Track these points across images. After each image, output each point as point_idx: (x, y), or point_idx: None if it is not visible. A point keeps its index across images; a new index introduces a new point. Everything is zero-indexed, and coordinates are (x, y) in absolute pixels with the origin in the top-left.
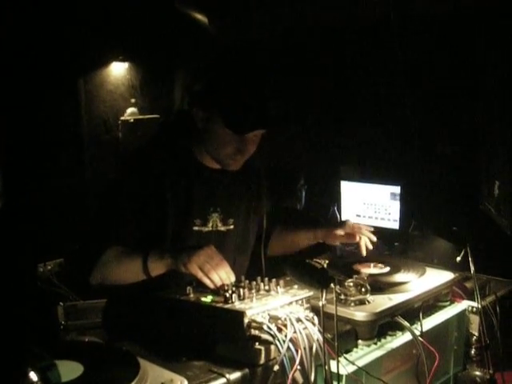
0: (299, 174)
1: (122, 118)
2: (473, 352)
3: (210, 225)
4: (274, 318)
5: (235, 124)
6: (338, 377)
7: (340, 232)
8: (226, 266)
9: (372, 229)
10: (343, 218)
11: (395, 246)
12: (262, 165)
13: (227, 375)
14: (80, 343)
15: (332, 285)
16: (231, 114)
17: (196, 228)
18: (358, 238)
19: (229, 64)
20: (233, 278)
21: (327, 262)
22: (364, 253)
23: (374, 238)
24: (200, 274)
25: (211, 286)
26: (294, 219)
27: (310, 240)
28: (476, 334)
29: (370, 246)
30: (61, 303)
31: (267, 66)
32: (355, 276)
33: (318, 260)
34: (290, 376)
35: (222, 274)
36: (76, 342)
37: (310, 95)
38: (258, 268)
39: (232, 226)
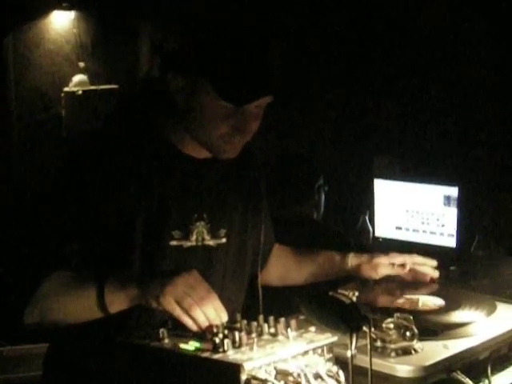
0: (317, 170)
1: (67, 89)
2: None
3: (194, 238)
4: (282, 374)
5: (233, 92)
6: None
7: (384, 261)
8: (215, 298)
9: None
10: (378, 233)
11: (451, 271)
12: (262, 155)
13: None
14: None
15: (365, 327)
16: (226, 79)
17: (174, 243)
18: (407, 269)
19: (218, 12)
20: (225, 317)
21: (357, 293)
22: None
23: (435, 262)
24: (178, 312)
25: (194, 327)
26: (309, 235)
27: (334, 270)
28: None
29: (435, 274)
30: None
31: (269, 11)
32: (397, 314)
33: (343, 291)
34: None
35: (210, 311)
36: None
37: (331, 57)
38: (253, 300)
39: (224, 240)
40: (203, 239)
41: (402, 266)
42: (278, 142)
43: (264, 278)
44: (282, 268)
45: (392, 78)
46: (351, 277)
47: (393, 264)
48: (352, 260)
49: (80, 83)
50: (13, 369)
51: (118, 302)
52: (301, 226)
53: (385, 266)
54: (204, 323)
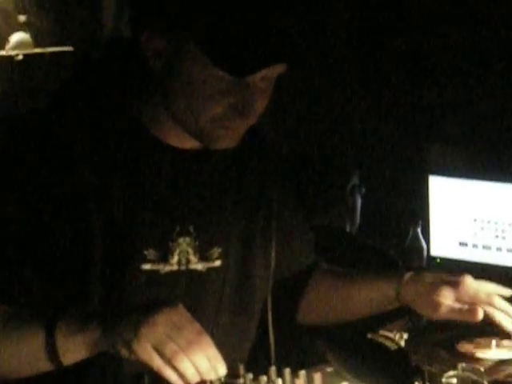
0: (350, 168)
1: (2, 52)
2: None
3: (175, 260)
4: None
5: (232, 57)
6: None
7: (450, 294)
8: (208, 343)
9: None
10: (434, 252)
11: None
12: (276, 146)
13: None
14: None
15: (417, 382)
16: (222, 39)
17: (147, 267)
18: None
19: None
20: (222, 370)
21: (406, 336)
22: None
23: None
24: (158, 363)
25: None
26: (340, 253)
27: (382, 301)
28: None
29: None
30: None
31: None
32: (462, 365)
33: (388, 333)
34: None
35: (201, 361)
36: None
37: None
38: (263, 346)
39: (218, 262)
40: (188, 261)
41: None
42: (296, 133)
43: (301, 317)
44: (330, 301)
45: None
46: (403, 311)
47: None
48: (406, 288)
49: (20, 44)
50: None
51: (74, 350)
52: (328, 242)
53: (449, 307)
54: (194, 378)
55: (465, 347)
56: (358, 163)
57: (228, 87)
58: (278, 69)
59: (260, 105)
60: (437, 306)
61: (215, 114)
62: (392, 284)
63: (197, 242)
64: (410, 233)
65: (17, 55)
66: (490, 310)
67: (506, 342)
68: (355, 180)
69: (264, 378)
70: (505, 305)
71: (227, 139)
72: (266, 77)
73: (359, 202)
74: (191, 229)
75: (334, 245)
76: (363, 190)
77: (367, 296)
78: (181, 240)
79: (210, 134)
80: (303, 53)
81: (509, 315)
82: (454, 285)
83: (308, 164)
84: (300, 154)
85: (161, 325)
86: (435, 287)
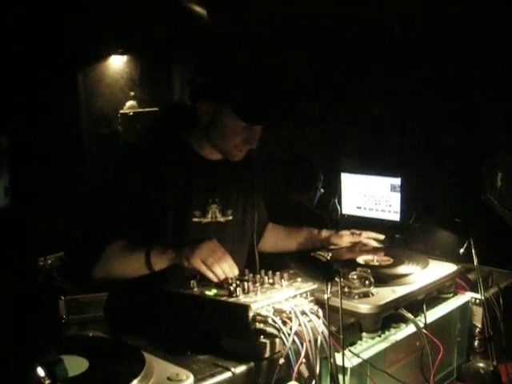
0: (317, 171)
1: (122, 111)
2: (476, 344)
3: (210, 216)
4: (278, 312)
5: (248, 114)
6: (344, 369)
7: (347, 232)
8: (229, 259)
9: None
10: (344, 211)
11: (396, 238)
12: (261, 156)
13: (232, 369)
14: (84, 338)
15: (336, 278)
16: (244, 105)
17: (195, 219)
18: (364, 237)
19: (234, 54)
20: (236, 272)
21: (330, 255)
22: (374, 243)
23: (382, 236)
24: (203, 268)
25: (214, 279)
26: (298, 215)
27: (312, 241)
28: (479, 325)
29: (381, 237)
30: (62, 297)
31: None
32: (359, 269)
33: (321, 253)
34: (296, 369)
35: (226, 268)
36: (80, 337)
37: (308, 84)
38: (254, 261)
39: (231, 217)
40: (216, 217)
41: (360, 234)
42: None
43: (261, 247)
44: (275, 239)
45: (351, 97)
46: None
47: (353, 234)
48: (325, 233)
49: (131, 107)
50: (85, 311)
51: (160, 262)
52: (295, 209)
53: (347, 235)
54: (222, 276)
55: (360, 260)
56: (321, 169)
57: (245, 129)
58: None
59: (258, 137)
60: (342, 236)
61: (236, 143)
62: (319, 232)
63: (220, 207)
64: (331, 202)
65: (129, 112)
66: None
67: (381, 257)
68: (321, 180)
69: (258, 276)
70: (375, 234)
71: (239, 156)
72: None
73: (318, 194)
74: (217, 200)
75: (296, 211)
76: (321, 189)
77: (305, 237)
78: (212, 206)
79: (231, 154)
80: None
81: (379, 238)
82: (348, 229)
83: (297, 169)
84: (292, 164)
85: (204, 249)
86: (338, 231)
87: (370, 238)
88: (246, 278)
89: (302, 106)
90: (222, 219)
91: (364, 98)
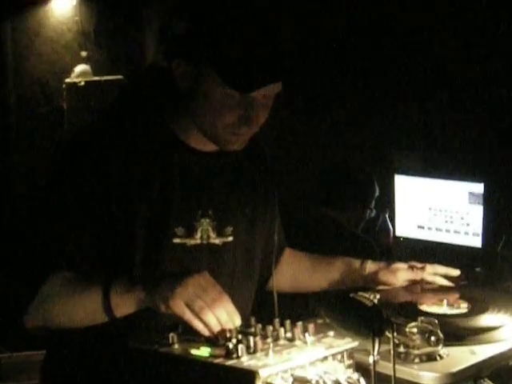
0: (371, 181)
1: (68, 80)
2: None
3: (199, 236)
4: (300, 381)
5: (238, 78)
6: None
7: (403, 265)
8: (228, 301)
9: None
10: (399, 233)
11: (477, 273)
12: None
13: None
14: None
15: (387, 332)
16: (231, 64)
17: (177, 240)
18: (428, 273)
19: None
20: (238, 321)
21: (378, 296)
22: (444, 281)
23: (456, 271)
24: (188, 315)
25: (205, 332)
26: (331, 239)
27: (351, 277)
28: None
29: (455, 272)
30: None
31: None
32: (421, 318)
33: (365, 294)
34: None
35: (222, 315)
36: None
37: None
38: (268, 304)
39: (231, 238)
40: (208, 237)
41: (422, 268)
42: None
43: (271, 284)
44: (295, 273)
45: (411, 67)
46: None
47: (412, 268)
48: (371, 266)
49: (82, 74)
50: (13, 377)
51: (124, 305)
52: (327, 230)
53: (404, 270)
54: (216, 327)
55: (423, 305)
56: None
57: (237, 102)
58: (275, 89)
59: (261, 117)
60: (396, 272)
61: (227, 122)
62: (361, 264)
63: (215, 222)
64: (381, 218)
65: (80, 82)
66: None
67: (452, 299)
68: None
69: (270, 328)
70: (446, 269)
71: (236, 143)
72: (266, 95)
73: (367, 215)
74: (210, 212)
75: (327, 230)
76: (375, 212)
77: (340, 271)
78: (202, 221)
79: (223, 138)
80: (293, 74)
81: (452, 274)
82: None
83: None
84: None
85: (191, 286)
86: (392, 263)
87: (437, 273)
88: (253, 330)
89: (341, 86)
90: (217, 241)
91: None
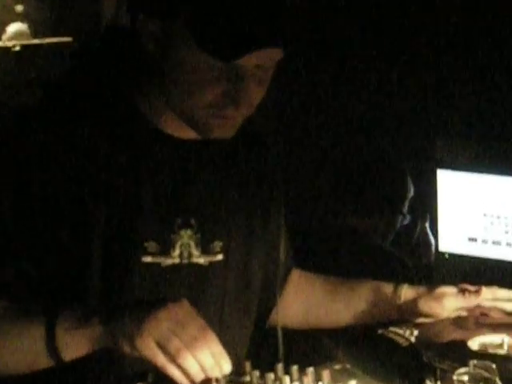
0: (404, 181)
1: None
2: None
3: (177, 253)
4: None
5: (218, 40)
6: None
7: (451, 289)
8: (213, 340)
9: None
10: (443, 248)
11: None
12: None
13: None
14: None
15: (429, 380)
16: (209, 23)
17: (148, 259)
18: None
19: None
20: (227, 367)
21: (416, 332)
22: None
23: None
24: (161, 359)
25: (184, 382)
26: (355, 257)
27: (382, 307)
28: None
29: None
30: None
31: None
32: (473, 361)
33: (398, 330)
34: None
35: (206, 358)
36: None
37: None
38: (269, 344)
39: (220, 257)
40: (190, 255)
41: (477, 292)
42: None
43: (275, 318)
44: (305, 302)
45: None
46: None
47: (463, 292)
48: (406, 292)
49: (18, 35)
50: None
51: (74, 345)
52: (351, 246)
53: (452, 295)
54: (198, 375)
55: (476, 344)
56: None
57: (220, 74)
58: (273, 55)
59: (255, 94)
60: (441, 298)
61: (208, 101)
62: (394, 289)
63: (198, 235)
64: (418, 228)
65: (14, 46)
66: (497, 302)
67: None
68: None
69: (271, 376)
70: (510, 293)
71: (222, 129)
72: (260, 65)
73: (399, 222)
74: (192, 221)
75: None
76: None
77: (367, 300)
78: (182, 232)
79: (204, 122)
80: (293, 38)
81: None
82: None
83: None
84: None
85: (164, 320)
86: (435, 287)
87: (497, 299)
88: (248, 379)
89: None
90: (201, 260)
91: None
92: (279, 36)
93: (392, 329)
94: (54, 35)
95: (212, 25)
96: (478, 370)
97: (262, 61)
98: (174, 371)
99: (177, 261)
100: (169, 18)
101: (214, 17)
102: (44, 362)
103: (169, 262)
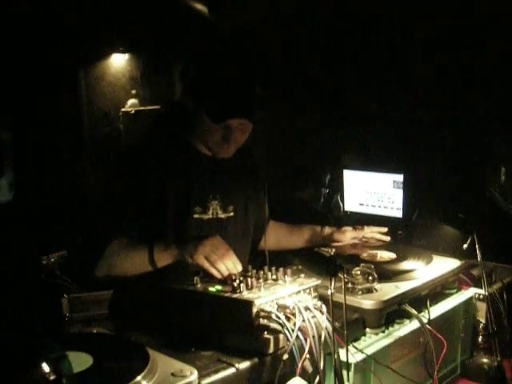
0: (322, 168)
1: (123, 109)
2: (480, 339)
3: (210, 212)
4: (282, 307)
5: (213, 112)
6: (348, 365)
7: (349, 227)
8: (233, 255)
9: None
10: (346, 208)
11: (398, 235)
12: (263, 154)
13: (236, 365)
14: (88, 335)
15: (340, 273)
16: (210, 102)
17: (196, 216)
18: (366, 232)
19: (214, 52)
20: (240, 268)
21: (334, 250)
22: (378, 236)
23: (385, 229)
24: (206, 265)
25: (218, 276)
26: (300, 213)
27: (315, 238)
28: (483, 321)
29: (384, 229)
30: (65, 295)
31: (261, 54)
32: (362, 264)
33: (325, 249)
34: (300, 365)
35: (229, 264)
36: (84, 334)
37: (309, 84)
38: (259, 257)
39: (232, 214)
40: (217, 213)
41: (362, 229)
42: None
43: (262, 244)
44: (277, 236)
45: (353, 96)
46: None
47: (355, 229)
48: (327, 230)
49: (132, 105)
50: (88, 309)
51: (163, 259)
52: (297, 207)
53: (350, 231)
54: (225, 272)
55: (363, 255)
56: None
57: (219, 127)
58: (246, 120)
59: (240, 137)
60: (344, 232)
61: (214, 141)
62: (321, 229)
63: (221, 203)
64: (334, 199)
65: (131, 111)
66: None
67: (384, 253)
68: (327, 178)
69: (261, 272)
70: (378, 228)
71: (223, 154)
72: (241, 123)
73: (324, 192)
74: (218, 196)
75: (298, 208)
76: (328, 190)
77: (307, 234)
78: (213, 202)
79: (214, 150)
80: (255, 113)
81: (382, 231)
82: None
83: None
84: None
85: (208, 245)
86: (341, 227)
87: (373, 231)
88: (250, 274)
89: (308, 105)
90: (222, 216)
91: (365, 94)
92: (247, 112)
93: (321, 248)
94: (150, 105)
95: (213, 104)
96: (365, 268)
97: (240, 122)
98: (213, 270)
99: (210, 216)
100: (197, 99)
101: (214, 100)
102: (147, 267)
103: (207, 217)
